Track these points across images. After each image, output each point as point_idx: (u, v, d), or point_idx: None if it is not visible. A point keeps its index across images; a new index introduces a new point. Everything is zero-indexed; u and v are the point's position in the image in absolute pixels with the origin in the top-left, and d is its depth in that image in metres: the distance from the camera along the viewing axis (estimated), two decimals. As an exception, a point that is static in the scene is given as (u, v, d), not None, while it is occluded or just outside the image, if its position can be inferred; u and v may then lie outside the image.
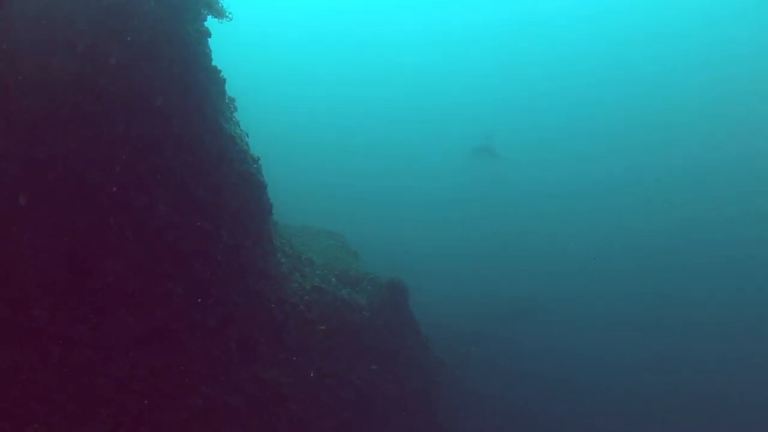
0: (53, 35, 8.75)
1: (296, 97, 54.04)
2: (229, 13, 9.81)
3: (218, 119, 10.59)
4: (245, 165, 11.43)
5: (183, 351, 10.85)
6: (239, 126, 11.83)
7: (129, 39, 8.82)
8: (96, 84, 8.94)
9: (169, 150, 10.10)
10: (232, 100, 11.74)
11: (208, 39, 9.97)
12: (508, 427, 22.94)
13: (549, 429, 23.88)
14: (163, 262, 10.44)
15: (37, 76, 8.82)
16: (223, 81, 10.50)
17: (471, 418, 21.75)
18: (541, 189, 46.72)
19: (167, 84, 9.45)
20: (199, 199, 10.70)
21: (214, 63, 10.26)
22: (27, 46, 8.74)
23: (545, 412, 24.31)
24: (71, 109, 8.95)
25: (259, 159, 11.85)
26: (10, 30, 8.62)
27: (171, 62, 9.38)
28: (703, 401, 25.90)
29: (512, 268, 34.69)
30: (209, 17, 9.88)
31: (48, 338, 9.38)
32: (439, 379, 18.21)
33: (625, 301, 34.33)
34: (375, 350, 15.36)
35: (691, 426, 24.37)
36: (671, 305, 33.80)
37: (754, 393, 26.07)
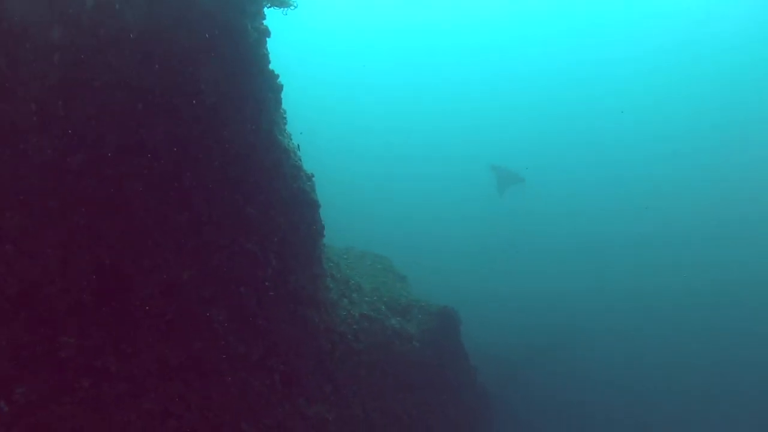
0: (94, 29, 7.31)
1: (340, 110, 53.33)
2: (295, 1, 8.26)
3: (273, 130, 9.09)
4: (299, 182, 9.89)
5: (222, 384, 9.28)
6: (291, 139, 10.28)
7: (180, 31, 7.32)
8: (138, 81, 7.44)
9: (217, 160, 8.59)
10: (284, 110, 10.24)
11: (267, 39, 8.41)
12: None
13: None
14: (204, 286, 8.92)
15: (73, 76, 7.38)
16: (280, 88, 8.97)
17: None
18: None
19: (220, 86, 7.95)
20: (248, 218, 9.20)
21: (271, 67, 8.70)
22: (65, 41, 7.31)
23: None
24: (107, 109, 7.46)
25: (313, 176, 10.30)
26: (49, 26, 7.21)
27: (226, 61, 7.87)
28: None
29: (549, 300, 33.27)
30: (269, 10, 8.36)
31: (76, 369, 7.87)
32: (488, 413, 16.55)
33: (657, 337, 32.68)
34: (424, 382, 13.72)
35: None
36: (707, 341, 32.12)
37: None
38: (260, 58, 8.28)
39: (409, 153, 56.22)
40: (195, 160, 8.50)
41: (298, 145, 10.40)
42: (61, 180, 7.73)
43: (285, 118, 10.20)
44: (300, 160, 10.17)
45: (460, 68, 66.01)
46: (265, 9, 8.26)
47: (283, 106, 9.46)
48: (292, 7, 8.23)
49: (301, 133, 10.11)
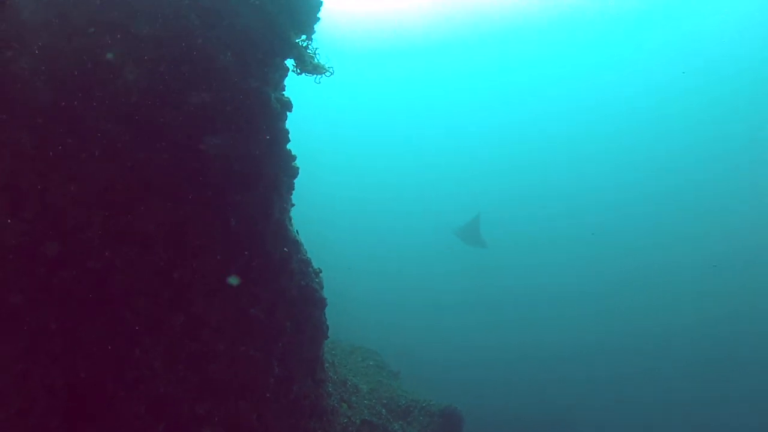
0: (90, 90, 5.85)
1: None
2: (330, 66, 6.91)
3: (284, 219, 7.58)
4: (307, 279, 8.32)
5: None
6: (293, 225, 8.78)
7: (190, 96, 5.89)
8: (132, 152, 5.94)
9: (219, 253, 7.02)
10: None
11: (288, 113, 7.01)
12: None
13: None
14: (199, 401, 7.16)
15: (55, 142, 5.86)
16: (297, 172, 7.51)
17: None
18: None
19: (231, 165, 6.48)
20: (252, 320, 7.55)
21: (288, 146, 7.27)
22: (54, 102, 5.82)
23: None
24: (92, 187, 5.91)
25: (320, 271, 8.75)
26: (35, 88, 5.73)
27: (240, 135, 6.42)
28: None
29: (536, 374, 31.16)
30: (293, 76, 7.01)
31: None
32: None
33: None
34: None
35: None
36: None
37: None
38: (279, 134, 6.86)
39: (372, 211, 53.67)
40: (194, 252, 6.92)
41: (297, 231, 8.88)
42: (31, 272, 6.08)
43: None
44: (307, 253, 8.64)
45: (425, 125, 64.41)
46: (297, 76, 6.90)
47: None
48: (327, 74, 6.91)
49: None
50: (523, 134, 60.99)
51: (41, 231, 6.03)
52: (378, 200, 55.88)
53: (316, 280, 8.68)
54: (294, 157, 7.34)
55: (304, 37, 6.79)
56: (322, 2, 6.74)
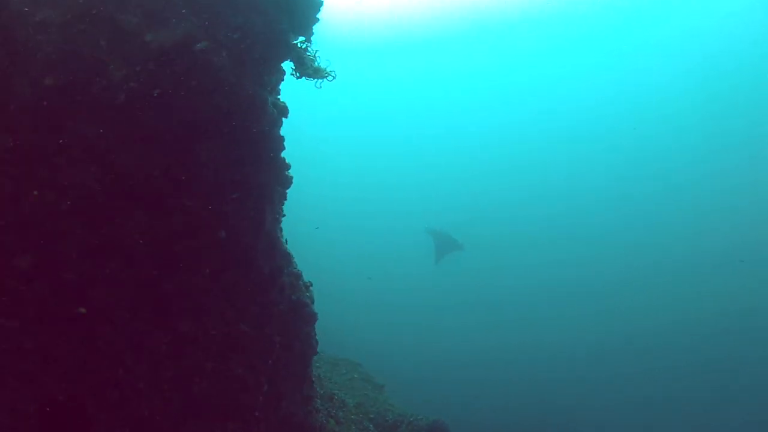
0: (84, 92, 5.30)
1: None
2: (332, 70, 6.39)
3: (275, 231, 7.08)
4: (298, 293, 7.82)
5: None
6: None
7: (180, 98, 5.37)
8: (114, 157, 5.41)
9: (208, 266, 6.50)
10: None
11: (284, 119, 6.50)
12: None
13: None
14: (184, 423, 6.61)
15: (37, 143, 5.31)
16: (290, 181, 7.00)
17: None
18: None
19: (220, 173, 5.97)
20: (240, 337, 7.02)
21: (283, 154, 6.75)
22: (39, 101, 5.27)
23: None
24: (69, 196, 5.37)
25: (311, 284, 8.26)
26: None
27: (233, 141, 5.91)
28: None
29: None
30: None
31: None
32: None
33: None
34: None
35: None
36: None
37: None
38: (274, 141, 6.36)
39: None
40: (180, 266, 6.39)
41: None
42: (2, 286, 5.51)
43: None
44: (297, 265, 8.13)
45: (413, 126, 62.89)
46: (297, 80, 6.38)
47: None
48: (329, 78, 6.40)
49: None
50: (522, 132, 59.72)
51: (13, 241, 5.46)
52: (363, 199, 54.86)
53: (307, 294, 8.18)
54: (288, 166, 6.84)
55: (303, 38, 6.31)
56: (322, 2, 6.27)
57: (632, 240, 48.98)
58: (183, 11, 5.21)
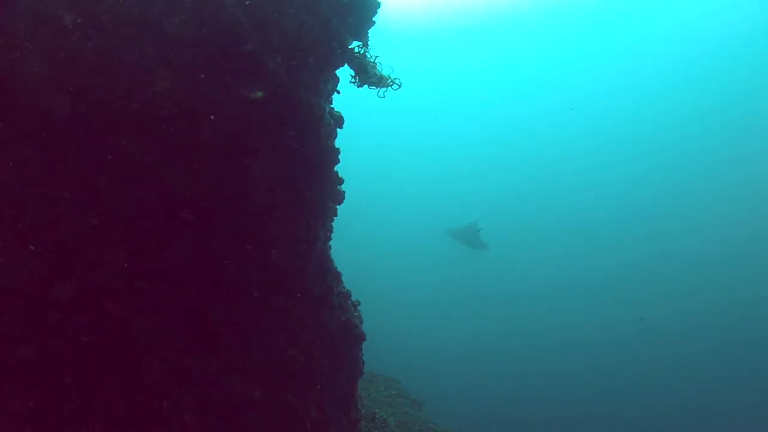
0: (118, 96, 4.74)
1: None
2: (396, 78, 5.76)
3: (326, 250, 6.47)
4: (347, 313, 7.21)
5: None
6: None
7: (232, 112, 4.79)
8: (157, 172, 4.83)
9: (257, 290, 5.91)
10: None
11: (339, 130, 5.89)
12: None
13: None
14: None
15: (67, 156, 4.75)
16: (342, 197, 6.39)
17: None
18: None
19: (273, 189, 5.37)
20: (290, 363, 6.42)
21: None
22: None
23: None
24: (111, 218, 4.80)
25: (359, 303, 7.65)
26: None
27: (286, 154, 5.31)
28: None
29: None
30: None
31: None
32: None
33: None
34: None
35: None
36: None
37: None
38: (329, 154, 5.76)
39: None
40: (228, 290, 5.81)
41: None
42: (41, 318, 4.95)
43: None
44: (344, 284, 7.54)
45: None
46: (358, 88, 5.78)
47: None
48: (394, 87, 5.79)
49: None
50: (526, 130, 58.07)
51: (52, 270, 4.91)
52: (378, 203, 53.42)
53: (356, 313, 7.57)
54: (341, 181, 6.23)
55: (360, 43, 5.71)
56: (380, 3, 5.66)
57: (644, 232, 47.77)
58: (233, 13, 4.63)
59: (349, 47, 5.63)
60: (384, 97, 5.73)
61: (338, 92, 6.31)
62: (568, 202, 53.11)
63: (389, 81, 5.69)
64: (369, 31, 5.77)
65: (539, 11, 45.67)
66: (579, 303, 40.05)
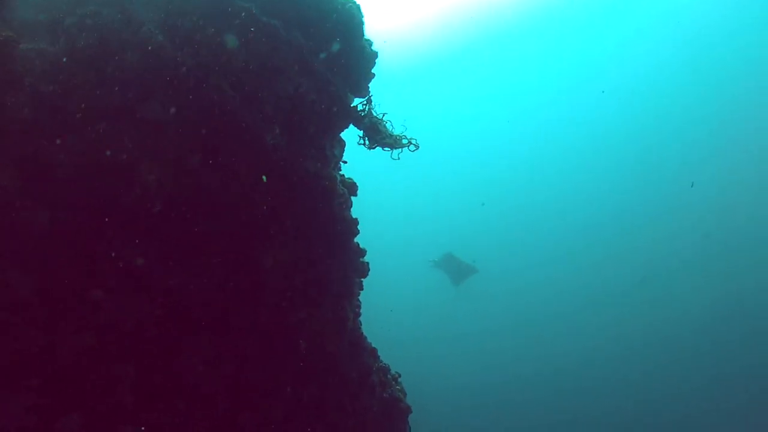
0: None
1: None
2: (413, 138, 5.00)
3: (358, 328, 5.64)
4: (389, 389, 6.33)
5: None
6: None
7: (235, 200, 4.05)
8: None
9: (290, 386, 5.07)
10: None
11: (353, 198, 5.12)
12: None
13: None
14: None
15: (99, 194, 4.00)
16: (367, 270, 5.58)
17: None
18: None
19: (294, 276, 4.59)
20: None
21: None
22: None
23: None
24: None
25: (399, 376, 6.75)
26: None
27: (300, 240, 4.54)
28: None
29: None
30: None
31: None
32: None
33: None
34: None
35: None
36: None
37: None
38: (347, 226, 4.98)
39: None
40: (257, 392, 4.97)
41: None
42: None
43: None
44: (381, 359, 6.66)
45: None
46: (368, 149, 5.02)
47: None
48: (411, 148, 5.03)
49: None
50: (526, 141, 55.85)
51: (54, 400, 4.12)
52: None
53: (398, 387, 6.67)
54: (363, 252, 5.43)
55: (363, 100, 5.00)
56: (377, 53, 4.97)
57: (637, 246, 45.96)
58: (221, 83, 3.93)
59: (352, 105, 4.94)
60: (399, 158, 4.98)
61: (345, 162, 5.61)
62: (565, 218, 51.12)
63: (405, 141, 4.93)
64: (369, 84, 5.09)
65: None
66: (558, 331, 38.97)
